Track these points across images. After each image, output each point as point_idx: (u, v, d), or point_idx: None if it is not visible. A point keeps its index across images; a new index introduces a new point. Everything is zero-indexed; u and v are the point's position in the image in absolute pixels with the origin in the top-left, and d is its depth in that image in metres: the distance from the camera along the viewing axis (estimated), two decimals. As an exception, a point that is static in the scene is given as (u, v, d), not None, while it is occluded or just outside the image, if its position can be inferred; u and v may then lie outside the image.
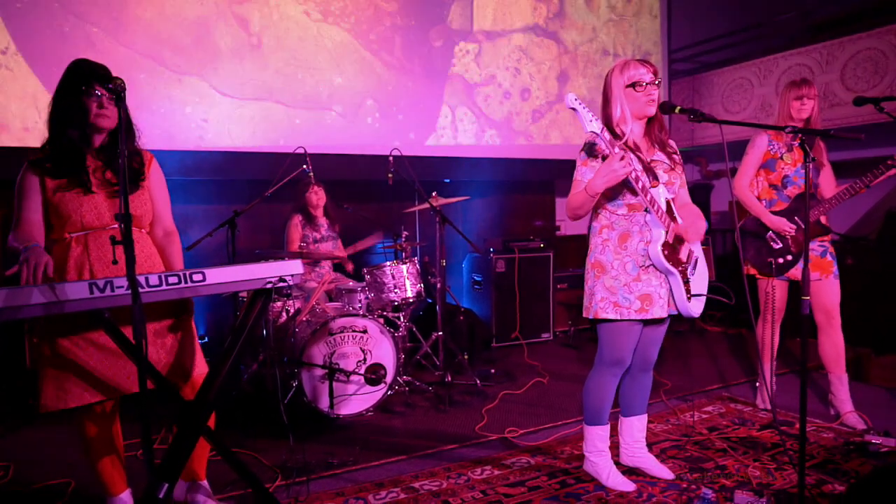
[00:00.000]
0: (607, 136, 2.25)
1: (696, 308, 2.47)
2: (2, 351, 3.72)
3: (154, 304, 2.09)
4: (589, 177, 2.37)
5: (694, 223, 2.46)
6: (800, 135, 2.28)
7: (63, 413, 2.06)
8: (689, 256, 2.47)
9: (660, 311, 2.42)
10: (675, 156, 2.52)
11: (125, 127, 1.80)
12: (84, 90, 2.05)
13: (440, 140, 5.34)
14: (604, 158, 2.37)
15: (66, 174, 2.08)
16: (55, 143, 2.10)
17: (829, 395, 3.36)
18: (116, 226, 2.11)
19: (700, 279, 2.52)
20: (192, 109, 4.38)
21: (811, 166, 2.25)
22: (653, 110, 2.40)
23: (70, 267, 2.07)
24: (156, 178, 2.31)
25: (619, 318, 2.41)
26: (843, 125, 5.42)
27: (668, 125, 2.53)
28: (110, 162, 2.16)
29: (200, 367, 2.28)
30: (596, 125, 2.21)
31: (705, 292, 2.52)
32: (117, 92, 1.75)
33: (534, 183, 6.37)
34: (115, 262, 1.87)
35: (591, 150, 2.44)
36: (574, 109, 2.21)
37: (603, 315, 2.43)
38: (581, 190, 2.37)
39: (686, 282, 2.43)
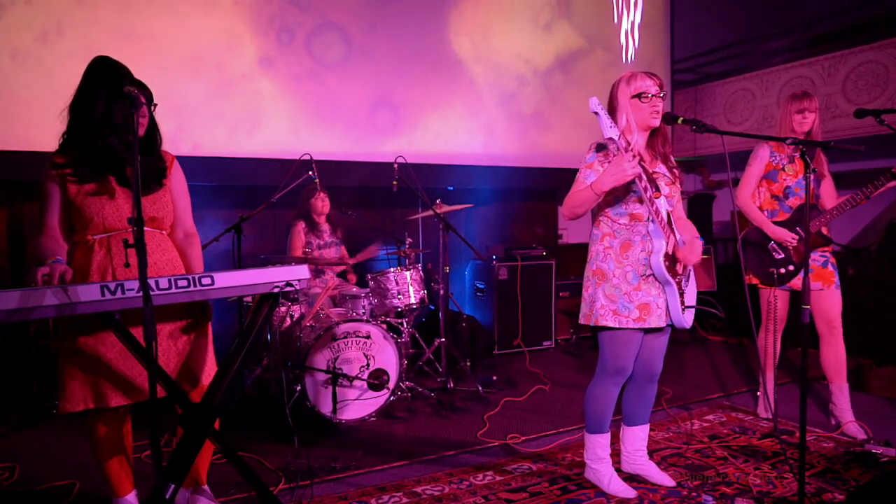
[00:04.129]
0: (623, 142, 2.28)
1: (688, 319, 2.51)
2: (7, 353, 3.74)
3: (169, 307, 2.08)
4: (592, 179, 2.40)
5: (692, 243, 2.49)
6: (801, 146, 2.31)
7: (73, 414, 2.06)
8: (684, 268, 2.51)
9: (657, 321, 2.44)
10: (675, 170, 2.55)
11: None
12: (130, 102, 1.79)
13: (444, 148, 5.38)
14: None
15: (93, 178, 2.04)
16: (90, 147, 2.03)
17: (829, 404, 3.37)
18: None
19: (692, 291, 2.56)
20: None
21: (812, 177, 2.28)
22: (657, 122, 2.42)
23: (93, 270, 2.05)
24: (177, 180, 2.29)
25: (617, 326, 2.43)
26: (845, 137, 5.45)
27: (671, 139, 2.55)
28: (131, 163, 2.10)
29: (211, 373, 2.27)
30: (614, 132, 2.26)
31: (695, 304, 2.56)
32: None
33: (536, 191, 6.40)
34: (127, 265, 1.86)
35: (599, 152, 2.46)
36: (596, 113, 2.25)
37: (603, 322, 2.46)
38: (585, 188, 2.37)
39: (681, 293, 2.47)
